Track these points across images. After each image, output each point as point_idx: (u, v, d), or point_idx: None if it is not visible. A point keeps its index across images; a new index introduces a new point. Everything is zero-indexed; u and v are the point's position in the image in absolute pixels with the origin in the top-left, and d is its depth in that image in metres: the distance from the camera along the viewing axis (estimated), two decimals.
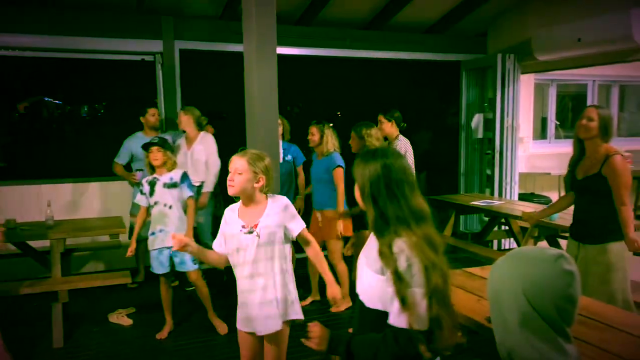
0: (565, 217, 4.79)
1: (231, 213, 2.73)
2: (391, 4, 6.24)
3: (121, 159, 5.31)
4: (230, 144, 5.54)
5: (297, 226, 2.72)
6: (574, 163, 3.55)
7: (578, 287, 1.31)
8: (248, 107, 3.62)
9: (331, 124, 4.93)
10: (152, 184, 4.13)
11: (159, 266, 4.17)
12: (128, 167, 5.43)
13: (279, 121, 5.22)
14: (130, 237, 5.24)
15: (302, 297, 4.85)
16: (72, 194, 5.72)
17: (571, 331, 1.34)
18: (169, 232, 4.06)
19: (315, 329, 1.86)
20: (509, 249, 6.67)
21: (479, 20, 6.87)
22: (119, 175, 5.37)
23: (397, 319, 1.71)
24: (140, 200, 4.17)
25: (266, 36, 3.42)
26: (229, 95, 6.12)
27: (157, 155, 4.07)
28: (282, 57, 5.97)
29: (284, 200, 2.73)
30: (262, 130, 3.49)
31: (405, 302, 1.67)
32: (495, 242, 6.87)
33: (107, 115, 9.03)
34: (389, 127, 5.13)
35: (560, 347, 1.30)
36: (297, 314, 2.75)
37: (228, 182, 2.61)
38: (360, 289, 1.90)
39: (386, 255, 1.73)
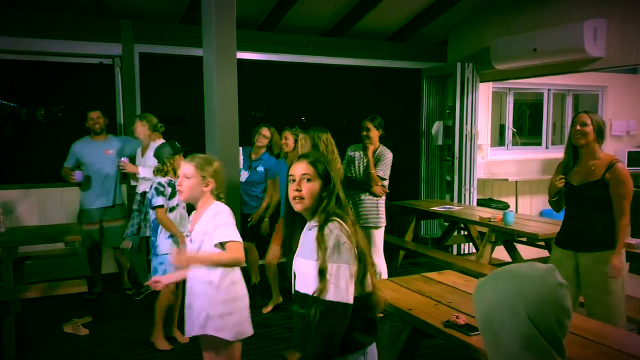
0: (520, 222, 4.93)
1: (192, 216, 2.81)
2: (354, 12, 6.30)
3: (68, 163, 5.12)
4: (192, 148, 5.50)
5: (217, 236, 2.55)
6: (566, 169, 3.42)
7: (570, 298, 1.28)
8: (207, 112, 3.59)
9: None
10: (172, 186, 3.97)
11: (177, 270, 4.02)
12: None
13: (268, 132, 5.13)
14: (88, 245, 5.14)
15: (263, 304, 4.88)
16: (26, 200, 5.55)
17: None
18: (186, 235, 3.98)
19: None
20: (468, 254, 6.82)
21: (440, 29, 7.00)
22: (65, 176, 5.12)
23: (320, 294, 1.84)
24: (163, 201, 3.89)
25: (226, 41, 3.40)
26: (190, 99, 6.06)
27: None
28: (245, 62, 5.99)
29: (218, 207, 2.66)
30: (221, 135, 3.46)
31: (323, 275, 1.83)
32: (454, 246, 6.99)
33: (65, 119, 8.80)
34: (376, 136, 4.81)
35: None
36: (217, 330, 2.62)
37: (177, 187, 2.65)
38: (299, 286, 2.02)
39: (320, 239, 1.88)
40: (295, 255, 2.08)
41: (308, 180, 1.97)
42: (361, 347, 1.94)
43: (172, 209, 3.98)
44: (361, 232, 2.00)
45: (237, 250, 2.54)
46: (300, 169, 1.99)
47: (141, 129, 5.01)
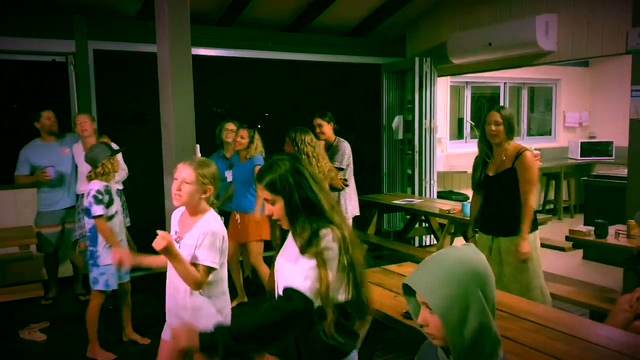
0: None
1: (176, 214, 2.68)
2: (312, 7, 6.30)
3: (20, 171, 4.91)
4: (150, 147, 5.40)
5: (199, 256, 2.46)
6: (482, 163, 3.75)
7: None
8: (163, 109, 3.53)
9: (259, 125, 4.86)
10: (109, 193, 3.80)
11: (118, 279, 3.86)
12: None
13: (234, 126, 5.04)
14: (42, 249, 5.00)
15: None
16: None
17: None
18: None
19: (176, 328, 1.77)
20: (430, 245, 6.93)
21: (398, 24, 7.07)
22: (25, 183, 4.99)
23: (302, 284, 1.80)
24: (103, 211, 3.71)
25: (180, 36, 3.35)
26: (150, 96, 5.93)
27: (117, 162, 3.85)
28: (203, 58, 5.91)
29: (212, 227, 2.51)
30: (177, 132, 3.41)
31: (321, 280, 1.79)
32: (416, 238, 7.09)
33: (18, 119, 8.51)
34: (330, 130, 4.91)
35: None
36: None
37: (173, 192, 2.48)
38: (282, 289, 1.94)
39: (311, 242, 1.83)
40: (278, 255, 2.02)
41: (272, 203, 1.89)
42: (344, 355, 1.90)
43: (110, 217, 3.79)
44: (357, 241, 1.94)
45: (204, 275, 2.46)
46: (261, 192, 1.91)
47: (93, 125, 4.90)
